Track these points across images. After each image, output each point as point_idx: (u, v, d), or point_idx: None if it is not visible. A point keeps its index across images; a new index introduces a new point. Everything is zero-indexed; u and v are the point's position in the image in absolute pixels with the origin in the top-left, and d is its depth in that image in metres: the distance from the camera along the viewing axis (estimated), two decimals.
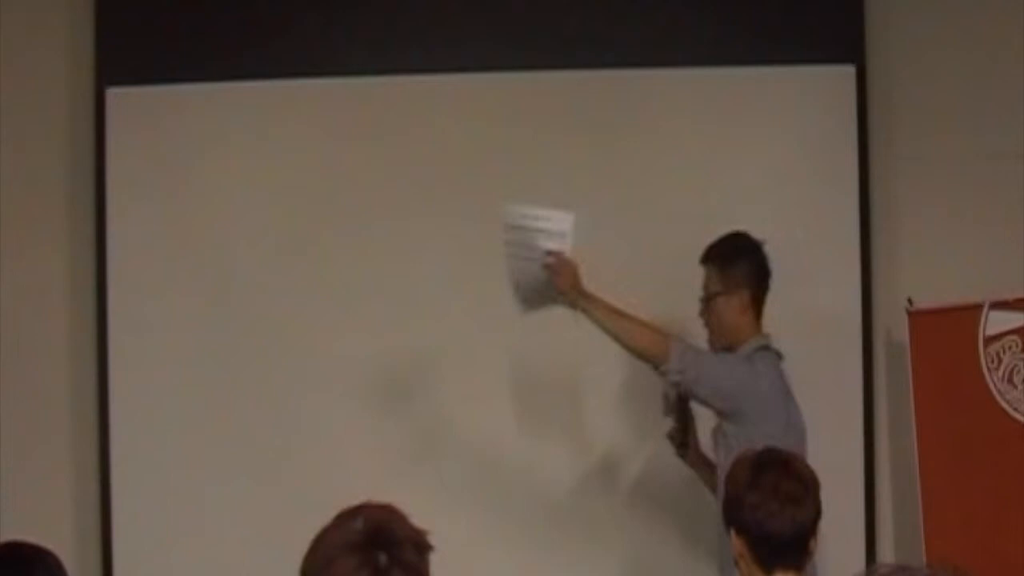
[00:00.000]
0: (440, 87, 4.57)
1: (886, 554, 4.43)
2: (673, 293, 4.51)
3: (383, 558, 1.85)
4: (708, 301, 4.04)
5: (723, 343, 4.03)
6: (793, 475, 2.67)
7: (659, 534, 4.47)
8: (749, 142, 4.58)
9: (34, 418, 4.53)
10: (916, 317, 4.37)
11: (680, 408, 4.09)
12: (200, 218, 4.57)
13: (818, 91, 4.60)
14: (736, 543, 2.66)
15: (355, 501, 2.01)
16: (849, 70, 4.58)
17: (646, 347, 3.90)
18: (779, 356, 4.04)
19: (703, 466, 4.12)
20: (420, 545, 1.89)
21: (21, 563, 2.44)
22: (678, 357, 3.86)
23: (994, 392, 4.30)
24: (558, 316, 4.49)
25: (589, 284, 3.91)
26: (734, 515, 2.68)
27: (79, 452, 4.54)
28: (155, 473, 4.49)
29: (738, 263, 4.02)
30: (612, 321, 3.91)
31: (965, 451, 4.30)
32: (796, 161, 4.58)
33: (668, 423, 4.16)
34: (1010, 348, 4.29)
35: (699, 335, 4.50)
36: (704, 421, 4.08)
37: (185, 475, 4.49)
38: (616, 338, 3.92)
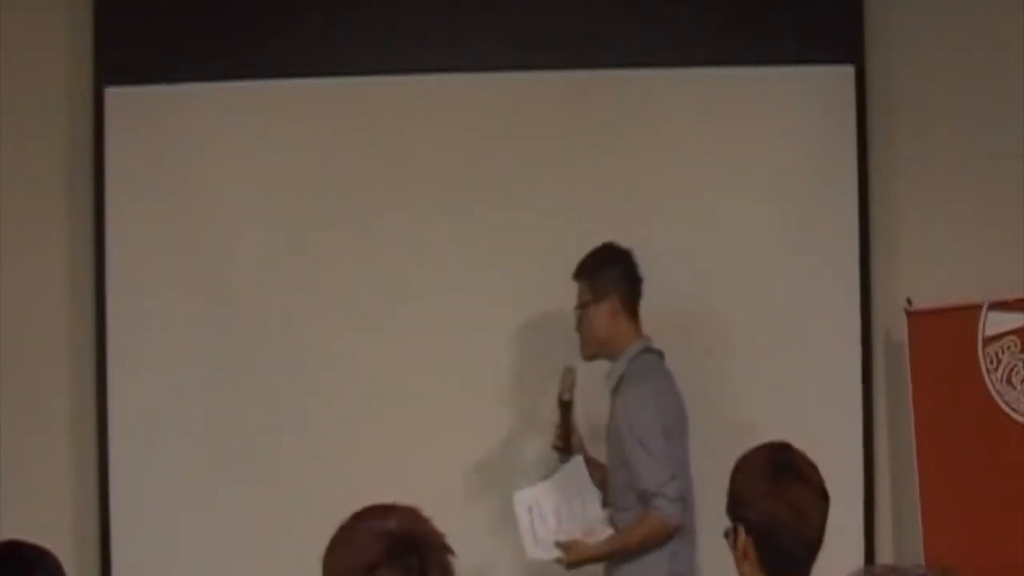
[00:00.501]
0: (440, 87, 4.56)
1: (885, 554, 4.43)
2: (673, 292, 4.52)
3: (419, 563, 1.87)
4: (581, 311, 4.14)
5: (595, 351, 4.14)
6: (814, 487, 2.62)
7: None
8: (749, 142, 4.58)
9: (34, 418, 4.53)
10: (915, 317, 4.37)
11: (563, 412, 4.16)
12: (199, 218, 4.57)
13: (818, 91, 4.60)
14: (742, 541, 2.60)
15: (355, 501, 2.01)
16: (849, 70, 4.58)
17: (649, 538, 3.94)
18: (660, 356, 4.13)
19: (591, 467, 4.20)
20: (447, 548, 1.92)
21: (21, 563, 2.44)
22: (671, 504, 3.92)
23: (993, 392, 4.30)
24: (557, 320, 4.51)
25: None
26: (743, 514, 2.61)
27: (79, 452, 4.54)
28: (154, 473, 4.49)
29: (607, 271, 4.13)
30: (618, 549, 4.00)
31: (964, 451, 4.30)
32: (796, 161, 4.58)
33: None
34: (1009, 348, 4.30)
35: (698, 335, 4.51)
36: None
37: (184, 475, 4.49)
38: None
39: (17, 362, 4.52)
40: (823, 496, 2.62)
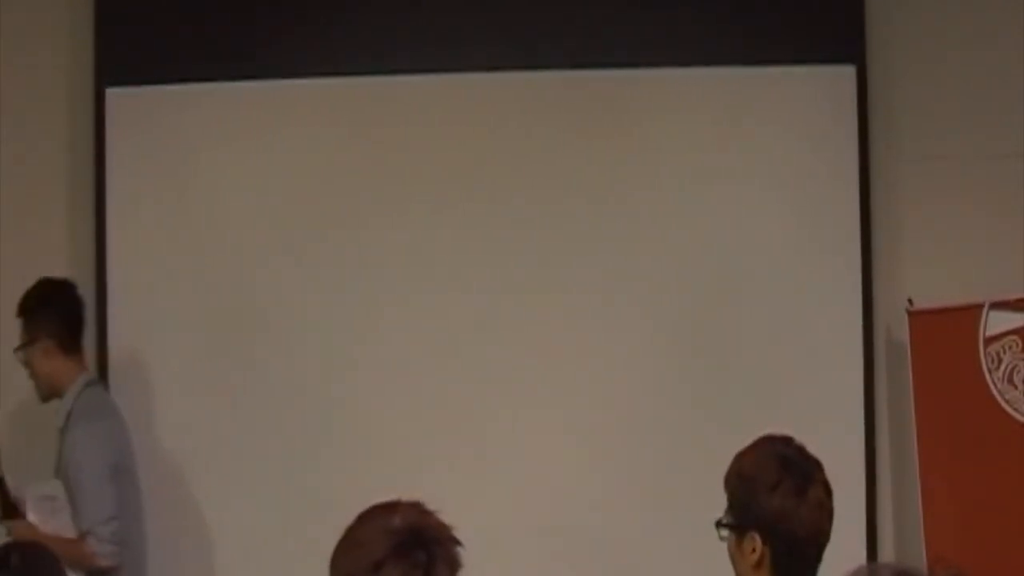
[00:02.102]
0: (440, 87, 4.56)
1: (886, 553, 4.43)
2: (673, 292, 4.52)
3: (426, 557, 1.87)
4: (23, 353, 4.16)
5: (48, 391, 4.17)
6: (822, 486, 2.60)
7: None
8: (750, 142, 4.57)
9: (35, 418, 4.52)
10: (916, 317, 4.37)
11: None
12: (200, 218, 4.57)
13: (818, 91, 4.59)
14: (758, 549, 2.54)
15: (357, 499, 2.01)
16: (849, 70, 4.57)
17: (73, 560, 3.84)
18: (105, 388, 4.22)
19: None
20: (454, 539, 1.92)
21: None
22: (101, 545, 3.95)
23: (994, 392, 4.30)
24: (561, 321, 4.50)
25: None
26: (763, 524, 2.56)
27: None
28: (155, 474, 4.48)
29: (38, 314, 4.15)
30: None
31: (965, 451, 4.30)
32: (796, 161, 4.57)
33: None
34: (1010, 348, 4.30)
35: (698, 335, 4.51)
36: None
37: (185, 476, 4.49)
38: None
39: (19, 363, 4.51)
40: (829, 494, 2.61)
